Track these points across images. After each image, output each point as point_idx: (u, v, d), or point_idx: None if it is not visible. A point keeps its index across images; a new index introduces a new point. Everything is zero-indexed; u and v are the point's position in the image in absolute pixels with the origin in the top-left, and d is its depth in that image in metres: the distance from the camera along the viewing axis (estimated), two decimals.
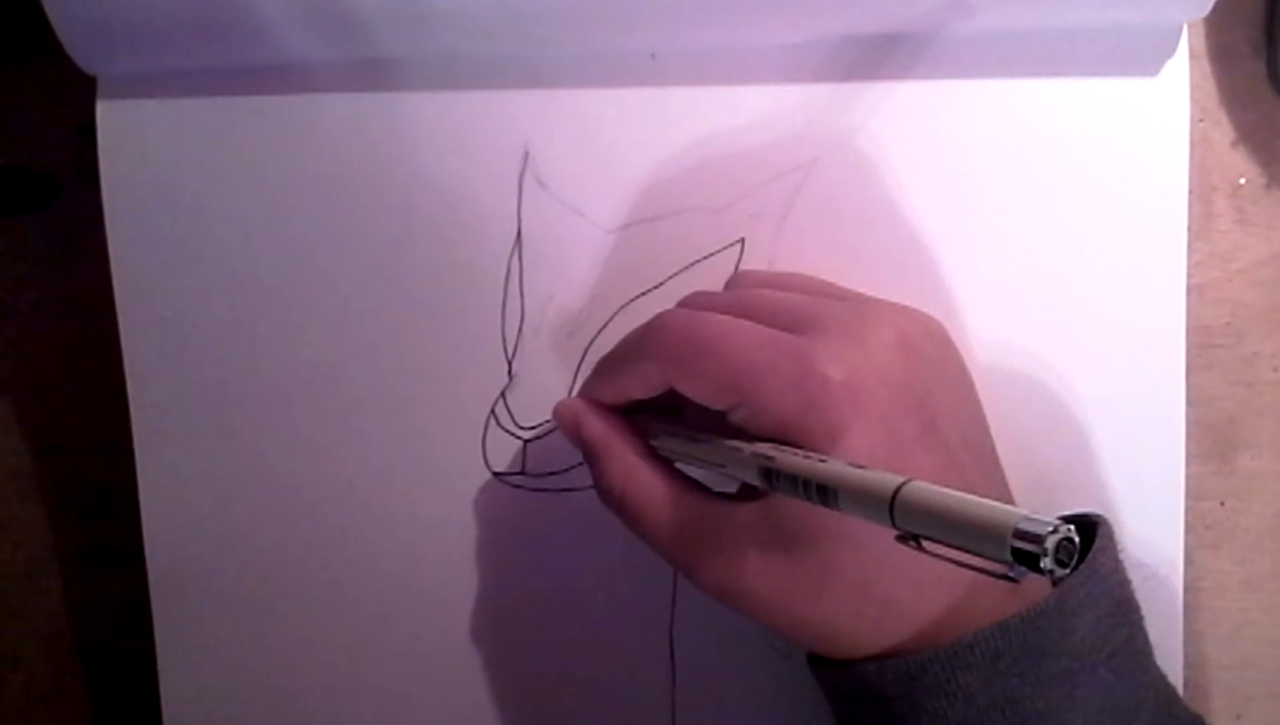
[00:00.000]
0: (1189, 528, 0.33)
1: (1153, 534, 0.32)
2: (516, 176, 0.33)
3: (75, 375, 0.38)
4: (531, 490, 0.34)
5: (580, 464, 0.34)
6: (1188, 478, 0.32)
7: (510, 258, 0.34)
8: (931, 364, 0.27)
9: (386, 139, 0.33)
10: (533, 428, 0.34)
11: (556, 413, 0.30)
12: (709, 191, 0.33)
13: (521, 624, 0.35)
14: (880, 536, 0.24)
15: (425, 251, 0.34)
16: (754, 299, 0.28)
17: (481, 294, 0.34)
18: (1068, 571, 0.17)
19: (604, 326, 0.33)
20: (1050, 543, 0.17)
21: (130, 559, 0.36)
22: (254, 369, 0.35)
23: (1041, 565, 0.17)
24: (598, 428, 0.29)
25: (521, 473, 0.34)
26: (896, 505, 0.19)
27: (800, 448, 0.25)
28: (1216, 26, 0.33)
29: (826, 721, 0.30)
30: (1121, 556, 0.28)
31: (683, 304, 0.30)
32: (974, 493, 0.20)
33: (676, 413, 0.30)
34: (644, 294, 0.33)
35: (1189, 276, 0.32)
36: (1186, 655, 0.33)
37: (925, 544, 0.19)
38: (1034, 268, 0.32)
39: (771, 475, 0.24)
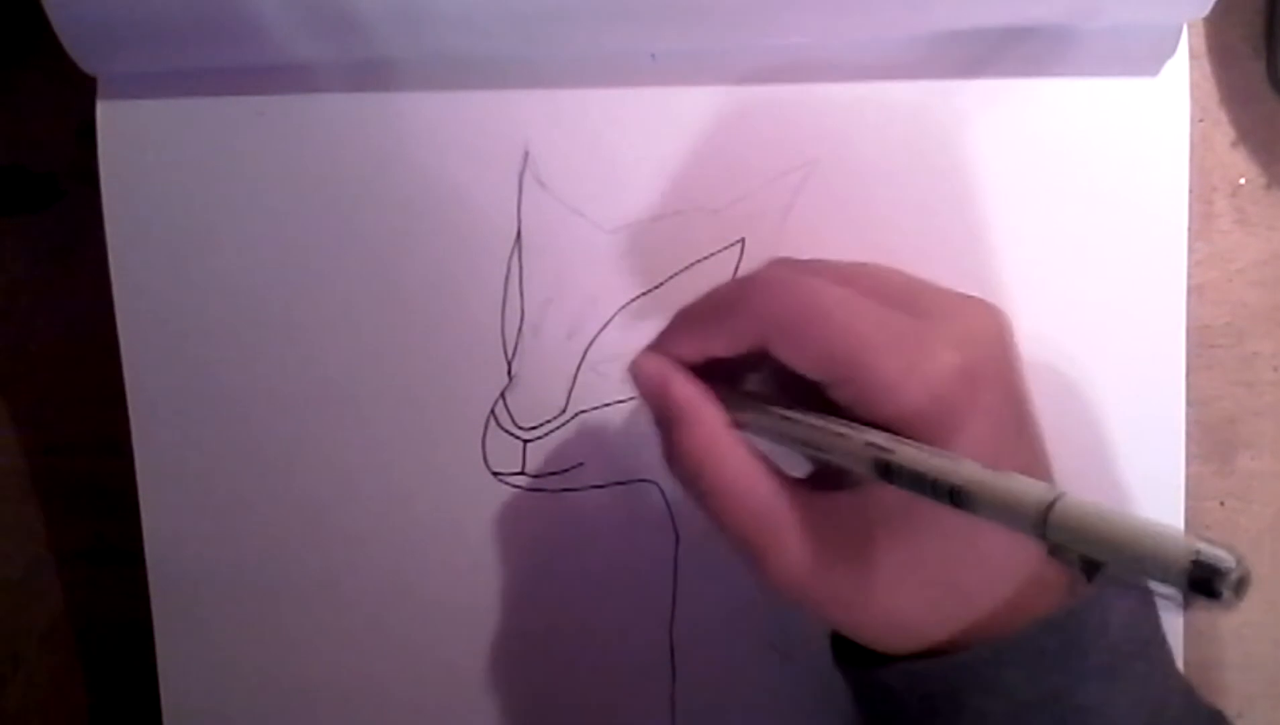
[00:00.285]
0: (1189, 528, 0.33)
1: None
2: (516, 176, 0.33)
3: (75, 375, 0.38)
4: (531, 490, 0.34)
5: (579, 464, 0.34)
6: (1188, 478, 0.32)
7: (510, 258, 0.34)
8: (1018, 354, 0.26)
9: (386, 139, 0.33)
10: (533, 428, 0.34)
11: (638, 367, 0.28)
12: (709, 191, 0.33)
13: (521, 624, 0.35)
14: (964, 525, 0.23)
15: (425, 251, 0.34)
16: (859, 272, 0.26)
17: (481, 294, 0.34)
18: (1237, 600, 0.17)
19: (604, 326, 0.33)
20: (1232, 577, 0.16)
21: (130, 559, 0.36)
22: (254, 369, 0.35)
23: (1219, 593, 0.16)
24: (686, 390, 0.27)
25: (521, 473, 0.34)
26: (1049, 521, 0.18)
27: (911, 435, 0.23)
28: (1216, 26, 0.33)
29: (827, 721, 0.30)
30: None
31: (776, 266, 0.28)
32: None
33: (735, 377, 0.28)
34: (644, 294, 0.33)
35: (1189, 276, 0.32)
36: (1187, 655, 0.33)
37: (1073, 561, 0.18)
38: (1034, 268, 0.32)
39: (889, 469, 0.22)
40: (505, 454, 0.34)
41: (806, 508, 0.25)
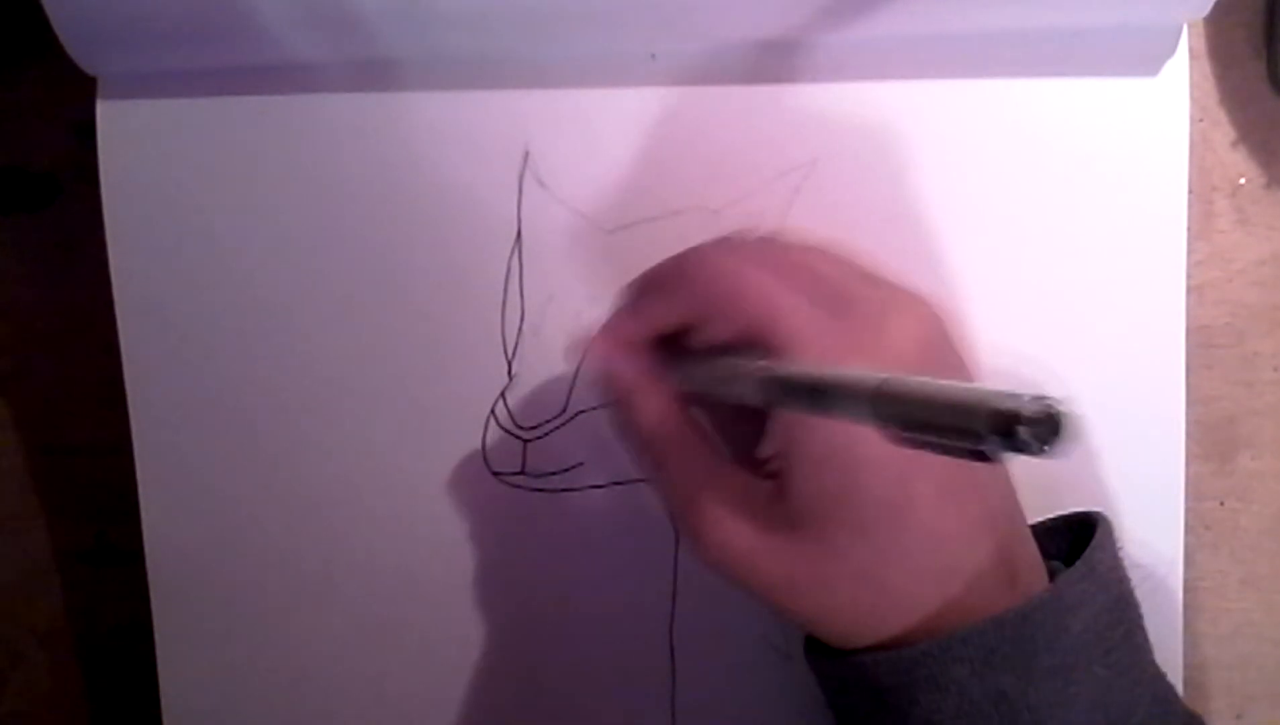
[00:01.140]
0: (1189, 528, 0.33)
1: (1153, 534, 0.32)
2: (516, 176, 0.33)
3: (75, 375, 0.38)
4: (531, 490, 0.34)
5: (579, 464, 0.34)
6: (1188, 478, 0.32)
7: (510, 258, 0.34)
8: (947, 362, 0.27)
9: (386, 139, 0.33)
10: (533, 428, 0.34)
11: (582, 347, 0.30)
12: (709, 191, 0.33)
13: (521, 624, 0.35)
14: (885, 527, 0.25)
15: (425, 251, 0.34)
16: (795, 263, 0.28)
17: (481, 294, 0.34)
18: (1047, 449, 0.16)
19: None
20: (1029, 413, 0.16)
21: (130, 559, 0.36)
22: (254, 369, 0.35)
23: (1020, 439, 0.16)
24: (633, 368, 0.29)
25: (521, 473, 0.34)
26: (881, 397, 0.19)
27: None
28: (1216, 26, 0.33)
29: (827, 721, 0.30)
30: (1121, 554, 0.28)
31: (720, 244, 0.29)
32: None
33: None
34: None
35: (1189, 276, 0.32)
36: (1186, 655, 0.33)
37: (912, 437, 0.19)
38: (1034, 268, 0.32)
39: (770, 387, 0.24)
40: (505, 454, 0.34)
41: (743, 490, 0.27)
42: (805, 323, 0.25)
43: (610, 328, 0.30)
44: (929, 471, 0.25)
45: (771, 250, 0.29)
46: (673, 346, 0.29)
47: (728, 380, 0.26)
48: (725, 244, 0.29)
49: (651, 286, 0.29)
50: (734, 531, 0.27)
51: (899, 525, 0.25)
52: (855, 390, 0.20)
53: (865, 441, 0.24)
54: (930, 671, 0.25)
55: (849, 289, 0.27)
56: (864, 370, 0.21)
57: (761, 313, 0.26)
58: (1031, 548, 0.27)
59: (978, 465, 0.26)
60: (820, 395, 0.22)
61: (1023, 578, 0.26)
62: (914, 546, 0.25)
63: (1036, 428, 0.16)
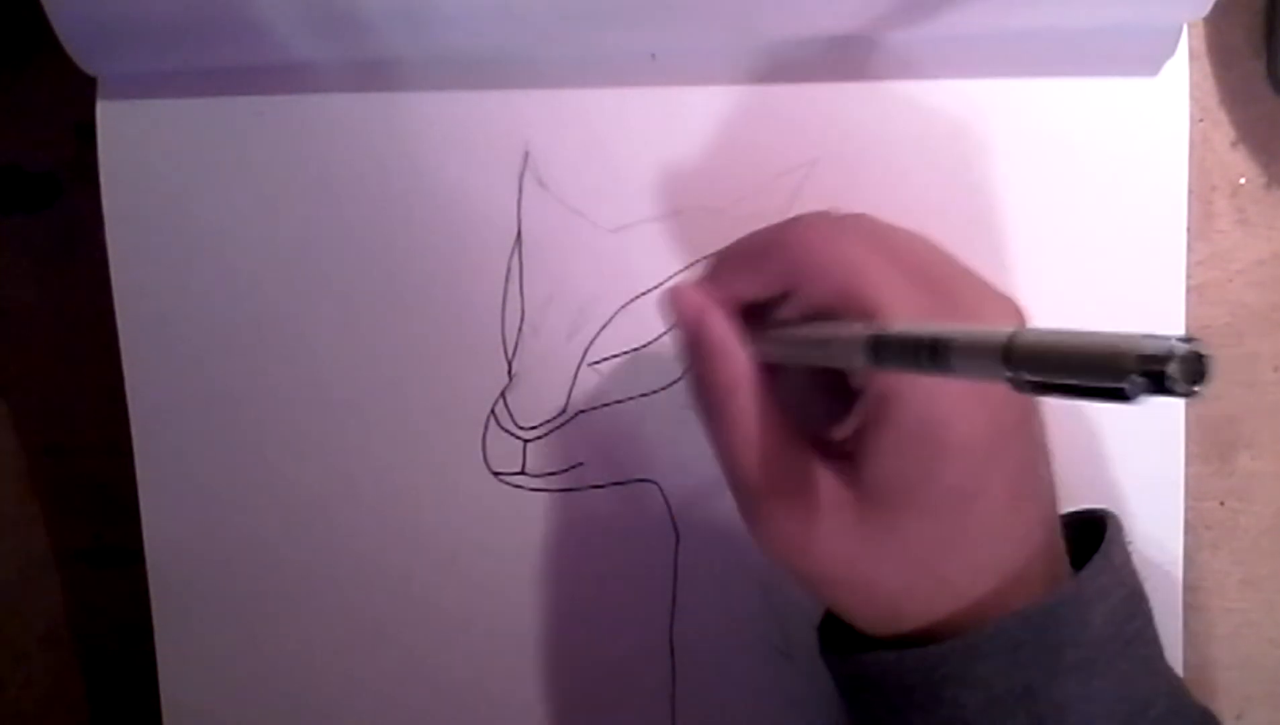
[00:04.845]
0: (1189, 528, 0.33)
1: (1153, 534, 0.32)
2: (516, 176, 0.33)
3: (75, 375, 0.38)
4: (531, 490, 0.34)
5: (579, 464, 0.34)
6: (1188, 478, 0.32)
7: (510, 258, 0.34)
8: None
9: (386, 139, 0.33)
10: (533, 428, 0.34)
11: (679, 296, 0.28)
12: (709, 191, 0.33)
13: (521, 624, 0.35)
14: (955, 515, 0.25)
15: (425, 251, 0.34)
16: (897, 242, 0.27)
17: (481, 294, 0.34)
18: (1194, 389, 0.16)
19: (604, 326, 0.33)
20: (1180, 353, 0.16)
21: (130, 559, 0.36)
22: (254, 369, 0.35)
23: (1169, 383, 0.16)
24: (721, 328, 0.28)
25: (521, 473, 0.34)
26: (1013, 345, 0.19)
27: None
28: (1216, 26, 0.33)
29: (827, 721, 0.30)
30: (1130, 549, 0.28)
31: (821, 215, 0.29)
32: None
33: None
34: (644, 294, 0.33)
35: (1189, 276, 0.32)
36: (1186, 655, 0.33)
37: (1045, 383, 0.18)
38: (1034, 267, 0.32)
39: (880, 346, 0.23)
40: (505, 454, 0.34)
41: (809, 469, 0.26)
42: (902, 295, 0.25)
43: (700, 287, 0.29)
44: (1003, 467, 0.25)
45: (874, 226, 0.28)
46: (756, 317, 0.28)
47: (823, 343, 0.25)
48: (826, 215, 0.28)
49: (745, 253, 0.28)
50: (795, 517, 0.26)
51: (967, 515, 0.25)
52: (982, 341, 0.19)
53: (953, 426, 0.24)
54: (956, 668, 0.25)
55: (948, 274, 0.26)
56: (989, 327, 0.20)
57: (860, 282, 0.25)
58: (1064, 550, 0.27)
59: (1040, 467, 0.26)
60: (940, 349, 0.21)
61: (1059, 578, 0.26)
62: (976, 538, 0.25)
63: (1186, 368, 0.16)
